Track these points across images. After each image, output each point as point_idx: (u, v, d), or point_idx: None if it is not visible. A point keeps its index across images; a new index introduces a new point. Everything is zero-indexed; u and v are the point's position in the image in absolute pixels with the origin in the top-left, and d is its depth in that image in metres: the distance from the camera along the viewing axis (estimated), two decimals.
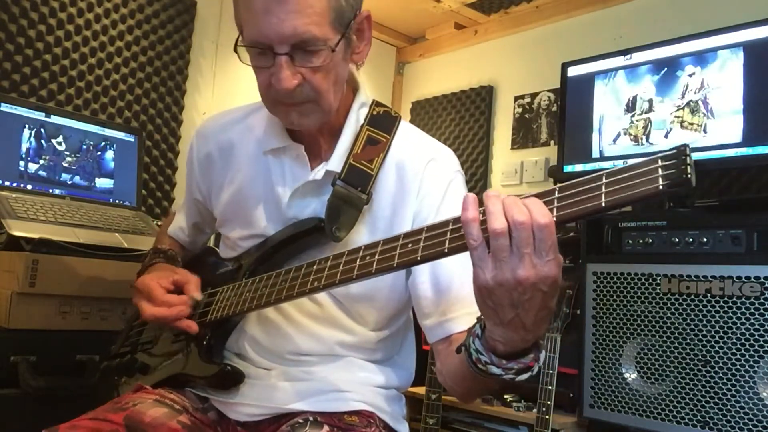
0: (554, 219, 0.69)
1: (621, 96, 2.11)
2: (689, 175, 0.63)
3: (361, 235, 1.05)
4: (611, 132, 2.13)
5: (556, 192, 0.71)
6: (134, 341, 1.30)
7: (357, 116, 1.09)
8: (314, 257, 1.04)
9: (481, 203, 0.74)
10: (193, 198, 1.26)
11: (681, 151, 0.64)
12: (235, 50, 0.99)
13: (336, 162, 1.06)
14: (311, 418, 1.00)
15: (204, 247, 1.36)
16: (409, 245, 0.81)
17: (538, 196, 0.72)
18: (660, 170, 0.65)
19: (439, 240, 0.78)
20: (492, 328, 0.77)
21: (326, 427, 0.98)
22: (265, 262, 1.09)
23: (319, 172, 1.06)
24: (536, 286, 0.70)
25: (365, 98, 1.12)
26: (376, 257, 0.85)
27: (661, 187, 0.65)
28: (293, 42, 0.94)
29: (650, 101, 2.04)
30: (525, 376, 0.80)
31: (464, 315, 0.98)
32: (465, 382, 0.93)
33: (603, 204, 0.67)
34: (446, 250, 0.77)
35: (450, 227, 0.77)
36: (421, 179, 1.05)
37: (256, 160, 1.13)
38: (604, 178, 0.68)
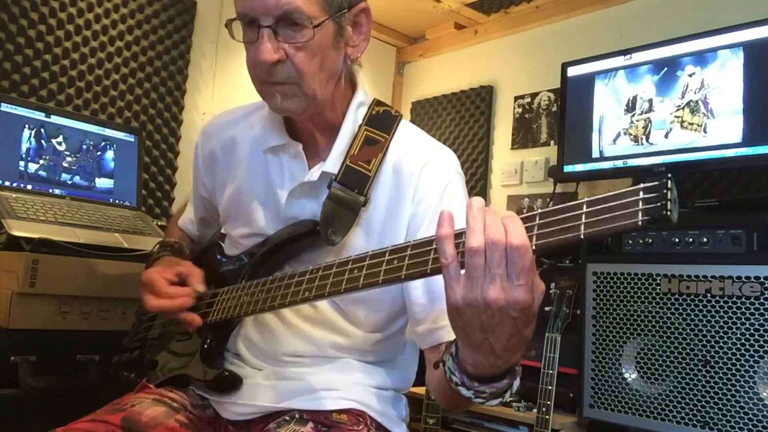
0: (534, 246, 0.68)
1: (621, 96, 2.11)
2: (669, 212, 0.61)
3: (357, 239, 1.04)
4: (611, 132, 2.13)
5: (537, 218, 0.69)
6: (143, 336, 1.31)
7: (355, 116, 1.08)
8: (313, 258, 1.04)
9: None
10: (199, 195, 1.27)
11: (662, 184, 0.62)
12: (227, 25, 0.99)
13: (332, 163, 1.04)
14: (297, 416, 1.00)
15: (210, 240, 1.36)
16: (395, 262, 0.81)
17: (522, 219, 0.70)
18: (641, 203, 0.63)
19: (423, 259, 0.77)
20: (463, 348, 0.76)
21: (311, 424, 0.98)
22: (264, 264, 1.09)
23: (314, 174, 1.05)
24: (504, 310, 0.68)
25: (364, 97, 1.10)
26: (363, 272, 0.85)
27: (640, 222, 0.63)
28: (277, 14, 0.93)
29: (650, 101, 2.04)
30: (495, 402, 0.78)
31: None
32: (446, 396, 0.92)
33: (582, 235, 0.66)
34: (429, 271, 0.76)
35: (433, 246, 0.76)
36: (417, 183, 1.03)
37: (256, 159, 1.12)
38: (584, 206, 0.66)
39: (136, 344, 1.31)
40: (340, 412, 1.03)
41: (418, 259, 0.78)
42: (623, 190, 0.65)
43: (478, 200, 0.70)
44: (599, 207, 0.65)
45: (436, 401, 1.00)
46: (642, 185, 0.64)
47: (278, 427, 0.98)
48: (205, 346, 1.10)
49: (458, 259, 0.70)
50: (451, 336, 0.95)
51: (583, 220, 0.66)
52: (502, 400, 0.79)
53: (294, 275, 0.97)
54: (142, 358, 1.26)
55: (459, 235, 0.71)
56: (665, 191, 0.61)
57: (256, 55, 0.95)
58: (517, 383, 0.78)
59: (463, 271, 0.69)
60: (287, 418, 1.00)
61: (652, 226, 0.63)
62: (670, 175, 0.63)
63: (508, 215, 0.69)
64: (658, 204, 0.61)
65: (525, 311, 0.69)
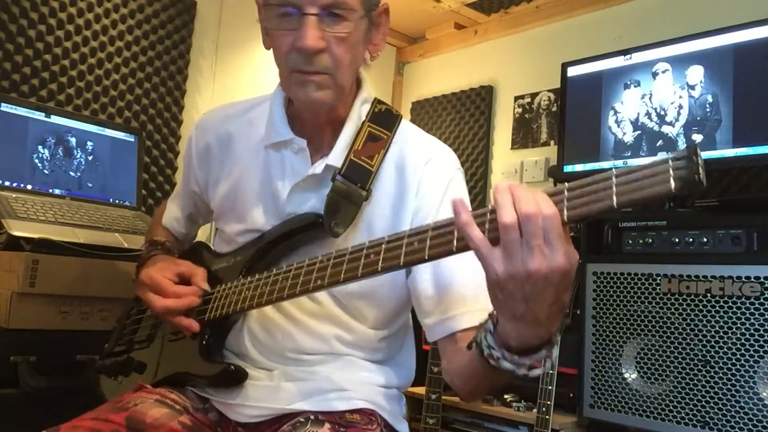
0: (565, 218, 0.69)
1: (623, 97, 2.11)
2: (700, 176, 0.63)
3: (359, 232, 1.05)
4: (611, 132, 2.13)
5: (566, 191, 0.71)
6: (129, 339, 1.29)
7: (359, 112, 1.09)
8: (312, 253, 1.04)
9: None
10: (191, 190, 1.26)
11: (692, 152, 0.64)
12: (260, 10, 1.01)
13: (336, 157, 1.05)
14: (312, 417, 1.00)
15: (195, 242, 1.35)
16: (415, 243, 0.81)
17: (550, 193, 0.72)
18: (671, 171, 0.65)
19: (447, 239, 0.78)
20: (504, 322, 0.77)
21: (327, 425, 0.98)
22: (262, 258, 1.09)
23: (318, 167, 1.06)
24: (547, 278, 0.70)
25: (367, 95, 1.12)
26: (381, 255, 0.85)
27: (673, 188, 0.65)
28: (324, 3, 0.95)
29: (650, 101, 2.04)
30: (537, 371, 0.79)
31: (466, 313, 0.98)
32: (473, 380, 0.92)
33: (615, 204, 0.67)
34: (454, 249, 0.77)
35: (455, 226, 0.77)
36: (420, 178, 1.05)
37: (256, 154, 1.12)
38: (614, 177, 0.68)
39: (121, 348, 1.29)
40: (352, 412, 1.04)
41: (442, 239, 0.79)
42: (650, 161, 0.67)
43: (503, 182, 0.72)
44: (629, 177, 0.67)
45: (454, 387, 1.00)
46: (670, 154, 0.66)
47: (294, 430, 0.97)
48: (204, 342, 1.09)
49: (487, 237, 0.72)
50: (463, 325, 0.97)
51: (614, 190, 0.67)
52: (543, 370, 0.80)
53: (302, 265, 0.96)
54: (130, 361, 1.24)
55: (481, 215, 0.74)
56: (694, 157, 0.64)
57: (300, 41, 0.95)
58: (555, 351, 0.80)
59: (497, 248, 0.71)
60: (302, 420, 1.00)
61: (683, 192, 0.65)
62: (696, 143, 0.65)
63: (533, 189, 0.71)
64: (690, 169, 0.64)
65: (565, 277, 0.71)
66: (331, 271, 0.91)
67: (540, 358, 0.78)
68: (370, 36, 1.05)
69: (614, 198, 0.67)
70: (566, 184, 0.71)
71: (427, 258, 0.80)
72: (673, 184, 0.64)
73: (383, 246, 0.85)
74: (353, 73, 1.04)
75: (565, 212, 0.70)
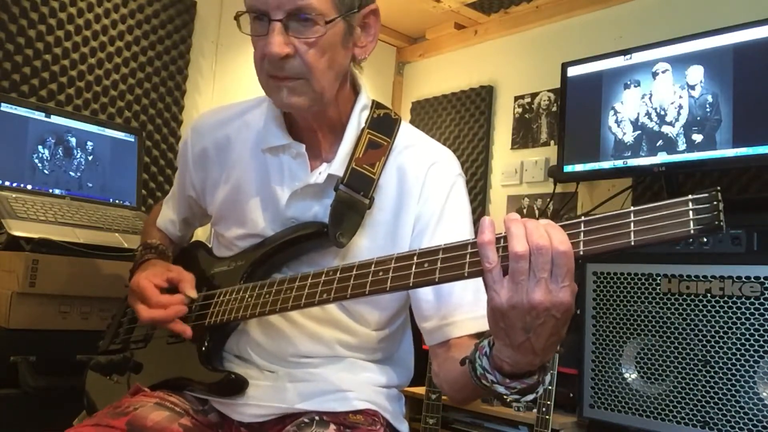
0: (581, 252, 0.70)
1: (623, 97, 2.11)
2: (722, 222, 0.64)
3: (361, 239, 1.05)
4: (611, 132, 2.13)
5: (582, 225, 0.71)
6: (125, 339, 1.28)
7: (359, 119, 1.09)
8: (314, 260, 1.03)
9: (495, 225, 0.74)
10: (186, 194, 1.25)
11: (713, 196, 0.65)
12: (236, 18, 1.00)
13: (338, 166, 1.05)
14: (317, 418, 1.00)
15: (193, 242, 1.34)
16: (426, 265, 0.81)
17: (563, 226, 0.72)
18: (691, 213, 0.65)
19: (458, 263, 0.78)
20: (501, 348, 0.77)
21: (332, 426, 0.98)
22: (263, 264, 1.08)
23: (321, 176, 1.05)
24: (549, 311, 0.70)
25: (366, 100, 1.11)
26: (390, 274, 0.85)
27: (692, 231, 0.65)
28: (289, 9, 0.93)
29: (650, 101, 2.04)
30: (530, 396, 0.80)
31: (465, 320, 0.98)
32: (465, 390, 0.93)
33: (632, 242, 0.68)
34: (466, 274, 0.77)
35: (469, 250, 0.77)
36: (422, 183, 1.05)
37: (254, 158, 1.11)
38: (632, 215, 0.68)
39: (117, 347, 1.28)
40: (355, 413, 1.04)
41: (453, 262, 0.79)
42: (670, 201, 0.67)
43: (513, 214, 0.74)
44: (647, 216, 0.68)
45: (444, 392, 1.01)
46: (690, 196, 0.66)
47: (299, 430, 0.97)
48: (203, 348, 1.08)
49: (500, 264, 0.72)
50: (460, 332, 0.97)
51: (632, 228, 0.68)
52: (536, 395, 0.81)
53: (307, 277, 0.96)
54: (126, 361, 1.23)
55: (497, 240, 0.74)
56: (716, 202, 0.64)
57: (266, 48, 0.95)
58: (548, 378, 0.81)
59: (505, 276, 0.72)
60: (306, 420, 1.00)
61: (703, 235, 0.65)
62: (718, 188, 0.65)
63: (547, 222, 0.72)
64: (712, 214, 0.64)
65: (567, 312, 0.72)
66: (337, 286, 0.91)
67: (531, 382, 0.79)
68: (353, 38, 1.01)
69: (632, 236, 0.68)
70: (582, 217, 0.72)
71: (437, 281, 0.80)
72: (693, 227, 0.65)
73: (392, 265, 0.85)
74: (335, 76, 1.00)
75: (582, 247, 0.70)
